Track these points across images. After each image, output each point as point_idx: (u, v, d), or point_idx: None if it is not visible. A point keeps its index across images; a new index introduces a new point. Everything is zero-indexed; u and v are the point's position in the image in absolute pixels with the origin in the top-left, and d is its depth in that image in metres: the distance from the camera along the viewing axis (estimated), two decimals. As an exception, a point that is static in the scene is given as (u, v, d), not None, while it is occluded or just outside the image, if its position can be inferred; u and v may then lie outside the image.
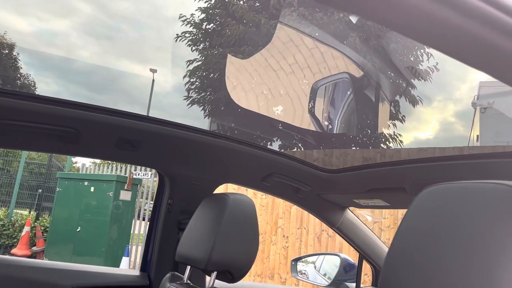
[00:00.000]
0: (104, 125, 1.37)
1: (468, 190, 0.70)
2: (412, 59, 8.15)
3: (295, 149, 8.70)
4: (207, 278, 1.70)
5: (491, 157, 1.28)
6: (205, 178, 1.70)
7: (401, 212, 5.58)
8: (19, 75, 17.37)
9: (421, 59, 8.35)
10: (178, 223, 1.68)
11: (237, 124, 8.82)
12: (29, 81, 18.06)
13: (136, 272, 1.73)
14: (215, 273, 1.25)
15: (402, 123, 9.06)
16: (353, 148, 8.29)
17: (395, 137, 9.15)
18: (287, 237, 6.30)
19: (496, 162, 1.26)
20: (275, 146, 9.18)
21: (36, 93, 1.29)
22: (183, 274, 1.42)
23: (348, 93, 3.41)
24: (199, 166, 1.67)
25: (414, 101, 8.76)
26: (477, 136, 12.16)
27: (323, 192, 1.85)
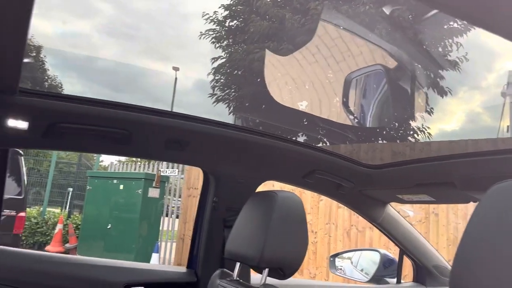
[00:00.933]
0: (154, 126, 1.40)
1: None
2: (440, 50, 7.98)
3: (320, 144, 8.66)
4: (252, 274, 1.72)
5: None
6: (249, 176, 1.71)
7: (432, 207, 5.49)
8: (46, 77, 17.82)
9: (449, 49, 8.16)
10: (224, 220, 1.70)
11: (262, 120, 8.84)
12: (57, 82, 18.52)
13: (183, 269, 1.76)
14: (267, 270, 1.26)
15: (430, 115, 8.91)
16: (380, 142, 8.19)
17: (423, 129, 9.00)
18: (316, 232, 6.28)
19: None
20: (300, 140, 9.13)
21: (90, 97, 1.33)
22: (229, 270, 1.44)
23: (381, 85, 3.37)
24: (244, 164, 1.69)
25: (442, 92, 8.58)
26: (508, 126, 11.82)
27: (365, 188, 1.84)
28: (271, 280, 1.31)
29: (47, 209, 10.61)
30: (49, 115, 1.26)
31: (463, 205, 5.34)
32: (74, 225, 9.23)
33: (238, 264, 1.41)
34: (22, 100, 1.19)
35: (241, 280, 1.40)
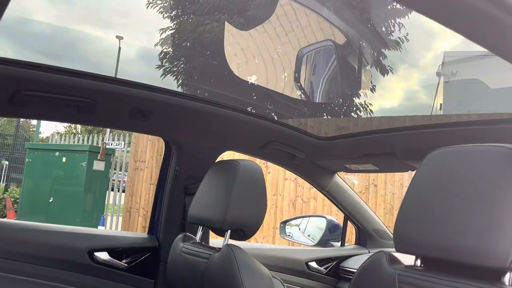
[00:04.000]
0: (119, 95, 1.43)
1: (471, 152, 0.85)
2: (383, 29, 8.33)
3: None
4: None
5: (474, 125, 1.43)
6: (209, 146, 1.79)
7: (372, 178, 5.88)
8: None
9: (392, 29, 8.55)
10: (185, 188, 1.77)
11: (211, 94, 8.82)
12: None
13: (144, 235, 1.82)
14: (229, 231, 1.36)
15: (373, 92, 9.35)
16: (325, 117, 8.50)
17: (366, 106, 9.44)
18: (263, 203, 6.50)
19: (478, 129, 1.41)
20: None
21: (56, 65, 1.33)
22: (191, 235, 1.53)
23: (330, 61, 3.49)
24: (204, 135, 1.76)
25: (384, 71, 9.02)
26: (441, 104, 12.63)
27: (316, 158, 1.99)
28: (232, 242, 1.42)
29: (-19, 182, 10.05)
30: (13, 83, 1.25)
31: (399, 176, 5.79)
32: (12, 199, 8.84)
33: (200, 228, 1.50)
34: None
35: (203, 243, 1.50)
